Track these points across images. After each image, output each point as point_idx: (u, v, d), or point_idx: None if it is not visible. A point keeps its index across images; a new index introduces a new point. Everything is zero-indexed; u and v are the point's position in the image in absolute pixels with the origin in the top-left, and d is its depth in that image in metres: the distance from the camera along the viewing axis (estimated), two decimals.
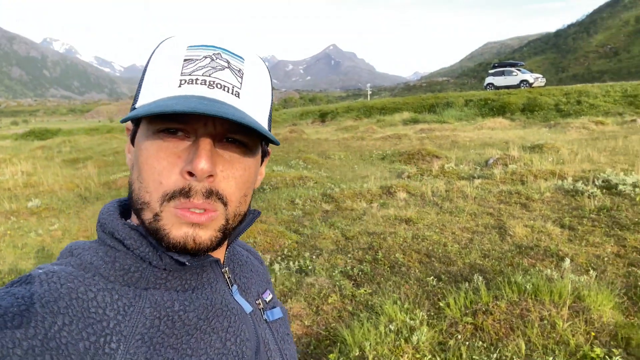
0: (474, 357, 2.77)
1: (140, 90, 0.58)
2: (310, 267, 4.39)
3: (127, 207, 0.65)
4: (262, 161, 0.67)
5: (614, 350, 2.70)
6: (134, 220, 0.61)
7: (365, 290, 3.85)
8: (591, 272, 3.74)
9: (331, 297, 3.73)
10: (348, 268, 4.37)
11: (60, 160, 15.13)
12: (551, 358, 2.68)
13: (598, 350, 2.71)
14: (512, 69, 27.09)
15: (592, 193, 6.16)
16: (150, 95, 0.55)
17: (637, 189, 5.99)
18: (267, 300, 0.73)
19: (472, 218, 5.74)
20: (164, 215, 0.54)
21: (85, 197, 8.73)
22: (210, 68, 0.55)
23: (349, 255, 4.72)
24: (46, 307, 0.47)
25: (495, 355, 2.76)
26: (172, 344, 0.53)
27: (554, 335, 2.91)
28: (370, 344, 2.87)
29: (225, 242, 0.66)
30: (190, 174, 0.52)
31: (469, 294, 3.47)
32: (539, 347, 2.82)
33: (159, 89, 0.54)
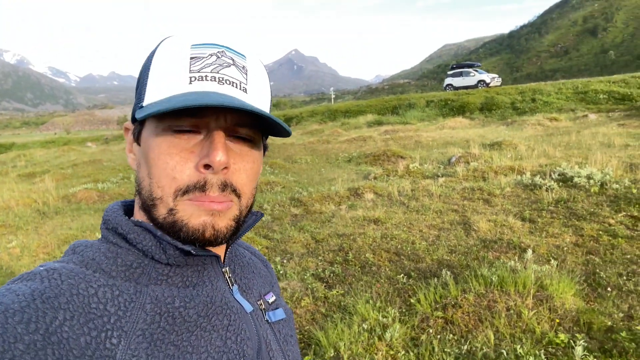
0: (445, 349, 2.83)
1: (145, 88, 0.57)
2: (281, 272, 4.38)
3: (131, 207, 0.66)
4: (263, 155, 0.69)
5: (577, 335, 2.83)
6: (137, 217, 0.62)
7: (337, 292, 3.88)
8: (552, 261, 3.90)
9: (304, 300, 3.73)
10: (319, 270, 4.39)
11: (16, 175, 14.49)
12: (519, 346, 2.77)
13: (562, 336, 2.83)
14: (470, 69, 27.93)
15: (549, 186, 6.42)
16: (160, 93, 0.56)
17: (591, 181, 6.28)
18: (270, 301, 0.73)
19: (437, 215, 5.87)
20: (180, 208, 0.55)
21: (44, 212, 8.39)
22: (217, 65, 0.57)
23: (319, 258, 4.74)
24: (47, 302, 0.48)
25: (465, 347, 2.83)
26: (173, 341, 0.53)
27: (521, 324, 3.02)
28: (344, 344, 2.89)
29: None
30: (206, 167, 0.54)
31: (438, 289, 3.55)
32: (507, 337, 2.92)
33: (169, 86, 0.55)
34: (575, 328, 2.97)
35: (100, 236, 0.64)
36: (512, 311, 3.16)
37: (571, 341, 2.77)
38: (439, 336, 2.99)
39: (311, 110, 28.75)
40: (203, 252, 0.58)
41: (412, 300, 3.49)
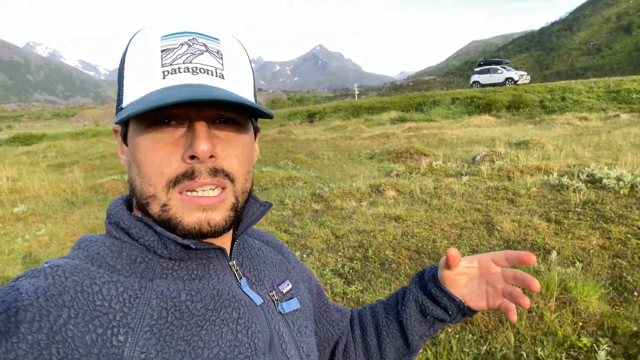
0: (464, 349, 2.81)
1: (122, 89, 0.57)
2: None
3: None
4: (255, 137, 0.67)
5: (600, 339, 2.76)
6: (137, 214, 0.61)
7: (356, 288, 3.88)
8: (577, 264, 3.81)
9: None
10: (339, 266, 4.40)
11: (46, 165, 14.95)
12: (539, 349, 2.72)
13: (585, 340, 2.77)
14: (497, 66, 27.40)
15: (577, 187, 6.26)
16: (136, 92, 0.54)
17: (620, 183, 6.10)
18: (284, 291, 0.71)
19: (460, 214, 5.80)
20: (172, 204, 0.55)
21: (72, 201, 8.64)
22: (189, 54, 0.55)
23: (339, 254, 4.74)
24: (50, 300, 0.47)
25: (485, 348, 2.80)
26: (183, 336, 0.52)
27: (542, 326, 2.96)
28: None
29: (231, 232, 0.66)
30: (192, 157, 0.53)
31: None
32: (528, 339, 2.87)
33: (143, 85, 0.54)
34: (598, 332, 2.90)
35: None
36: (534, 313, 3.10)
37: (594, 345, 2.71)
38: (457, 336, 2.96)
39: (334, 106, 28.72)
40: (203, 245, 0.57)
41: None
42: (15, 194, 9.46)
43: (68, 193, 9.31)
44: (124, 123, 0.59)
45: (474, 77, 28.39)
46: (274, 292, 0.69)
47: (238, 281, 0.64)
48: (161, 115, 0.53)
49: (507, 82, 26.05)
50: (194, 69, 0.54)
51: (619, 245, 4.34)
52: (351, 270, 4.28)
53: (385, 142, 14.33)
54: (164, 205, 0.55)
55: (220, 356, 0.54)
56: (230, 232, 0.66)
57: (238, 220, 0.61)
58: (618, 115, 15.70)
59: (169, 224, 0.55)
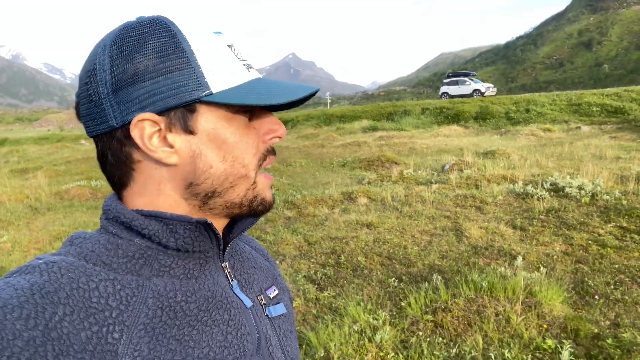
0: (434, 352, 2.86)
1: (200, 71, 0.54)
2: None
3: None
4: None
5: (564, 341, 2.86)
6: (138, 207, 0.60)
7: (328, 294, 3.90)
8: (542, 269, 3.94)
9: (295, 301, 3.75)
10: (311, 272, 4.41)
11: (8, 170, 14.39)
12: (507, 351, 2.81)
13: (550, 342, 2.87)
14: (465, 78, 28.15)
15: (541, 196, 6.49)
16: (229, 79, 0.57)
17: (582, 191, 6.36)
18: (271, 296, 0.73)
19: (430, 221, 5.92)
20: (258, 181, 0.61)
21: (36, 207, 8.35)
22: (240, 53, 0.61)
23: (312, 260, 4.76)
24: (46, 297, 0.46)
25: (454, 350, 2.86)
26: (175, 335, 0.53)
27: (509, 329, 3.06)
28: (335, 344, 2.91)
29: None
30: (272, 138, 0.62)
31: (429, 293, 3.58)
32: (495, 341, 2.95)
33: (235, 73, 0.58)
34: (562, 334, 3.01)
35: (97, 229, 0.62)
36: (501, 316, 3.19)
37: (558, 347, 2.81)
38: (428, 339, 3.02)
39: (307, 114, 28.83)
40: (213, 229, 0.58)
41: (402, 304, 3.52)
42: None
43: (31, 199, 9.00)
44: (187, 110, 0.55)
45: (443, 88, 29.07)
46: (262, 296, 0.70)
47: (230, 283, 0.65)
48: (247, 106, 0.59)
49: (475, 94, 26.78)
50: (252, 66, 0.62)
51: (581, 251, 4.53)
52: (324, 277, 4.30)
53: (357, 151, 14.48)
54: (253, 183, 0.60)
55: (210, 356, 0.55)
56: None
57: None
58: (579, 127, 16.38)
59: (254, 201, 0.61)
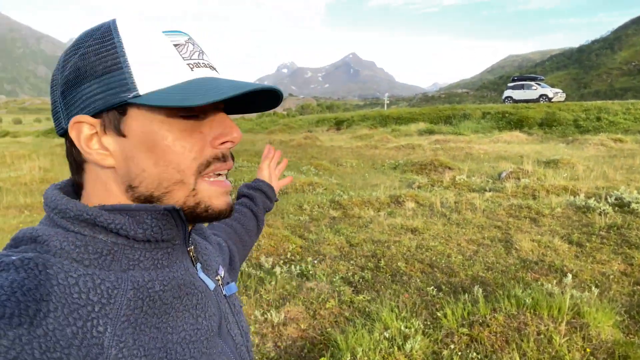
0: None
1: (128, 73, 0.54)
2: (311, 272, 4.41)
3: (68, 193, 0.63)
4: None
5: None
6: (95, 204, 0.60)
7: (364, 297, 3.86)
8: (594, 289, 3.68)
9: (329, 302, 3.74)
10: (349, 274, 4.38)
11: None
12: None
13: None
14: (532, 82, 26.85)
15: (603, 210, 6.07)
16: (161, 79, 0.54)
17: None
18: (222, 275, 0.76)
19: (478, 230, 5.70)
20: (200, 189, 0.59)
21: None
22: (198, 52, 0.59)
23: (351, 262, 4.73)
24: (28, 295, 0.46)
25: None
26: (155, 324, 0.55)
27: (550, 350, 2.88)
28: (362, 349, 2.88)
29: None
30: (222, 143, 0.59)
31: (467, 305, 3.45)
32: None
33: (171, 73, 0.55)
34: None
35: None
36: (542, 335, 3.02)
37: None
38: (461, 353, 2.91)
39: (363, 114, 28.69)
40: (180, 216, 0.58)
41: (438, 314, 3.42)
42: (46, 183, 9.81)
43: None
44: (118, 111, 0.55)
45: (507, 92, 27.90)
46: (218, 276, 0.74)
47: (194, 266, 0.67)
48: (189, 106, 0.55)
49: (541, 99, 25.48)
50: (209, 65, 0.59)
51: None
52: (361, 280, 4.26)
53: (410, 153, 14.22)
54: (193, 189, 0.58)
55: (186, 339, 0.58)
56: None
57: None
58: None
59: (197, 208, 0.59)
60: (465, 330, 3.14)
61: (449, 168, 10.64)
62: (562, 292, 3.51)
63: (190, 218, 0.60)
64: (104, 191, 0.59)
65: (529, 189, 7.81)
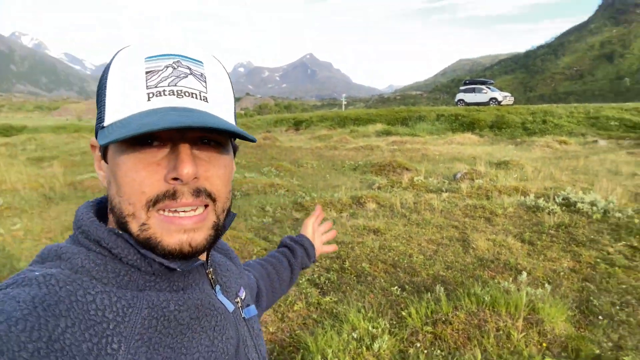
0: None
1: (104, 107, 0.57)
2: None
3: (102, 207, 0.67)
4: (234, 156, 0.69)
5: None
6: (111, 223, 0.62)
7: (330, 299, 3.91)
8: (547, 285, 3.91)
9: (297, 304, 3.76)
10: (315, 276, 4.42)
11: (25, 158, 14.66)
12: None
13: None
14: (483, 86, 27.91)
15: (552, 210, 6.42)
16: (119, 112, 0.55)
17: (594, 208, 6.28)
18: (243, 297, 0.76)
19: (437, 230, 5.89)
20: (152, 223, 0.56)
21: (50, 197, 8.49)
22: (174, 77, 0.56)
23: (316, 264, 4.77)
24: (48, 310, 0.48)
25: None
26: (169, 344, 0.55)
27: (509, 345, 3.04)
28: (332, 350, 2.92)
29: None
30: (175, 179, 0.55)
31: (430, 304, 3.57)
32: (494, 357, 2.93)
33: (127, 105, 0.55)
34: (563, 354, 2.98)
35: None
36: (501, 332, 3.17)
37: None
38: (426, 351, 3.02)
39: (321, 115, 28.85)
40: (188, 266, 0.59)
41: (403, 313, 3.52)
42: None
43: (46, 188, 9.15)
44: (99, 133, 0.58)
45: (460, 95, 28.87)
46: (238, 298, 0.74)
47: (213, 288, 0.68)
48: (144, 136, 0.55)
49: (491, 102, 26.54)
50: (179, 91, 0.56)
51: (589, 269, 4.47)
52: (327, 281, 4.31)
53: (369, 154, 14.45)
54: (143, 224, 0.56)
55: None
56: None
57: (218, 238, 0.62)
58: (596, 141, 16.14)
59: (148, 243, 0.56)
60: (429, 328, 3.25)
61: (407, 169, 10.90)
62: (518, 290, 3.70)
63: (153, 253, 0.58)
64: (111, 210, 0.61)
65: (482, 189, 8.13)
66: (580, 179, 9.11)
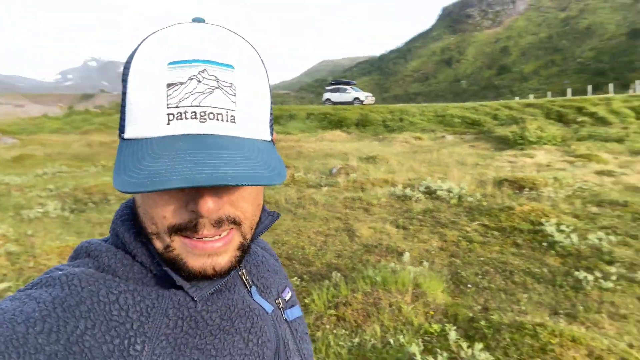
0: (339, 343, 3.12)
1: (125, 116, 0.52)
2: None
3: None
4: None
5: (446, 325, 3.32)
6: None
7: None
8: (424, 263, 4.46)
9: None
10: None
11: None
12: (401, 336, 3.17)
13: (435, 326, 3.31)
14: (347, 87, 29.67)
15: (417, 198, 7.25)
16: (137, 128, 0.50)
17: (450, 194, 7.25)
18: (287, 298, 0.73)
19: (324, 222, 6.25)
20: (176, 246, 0.53)
21: None
22: (198, 94, 0.49)
23: None
24: (68, 311, 0.48)
25: (357, 340, 3.15)
26: (197, 345, 0.53)
27: (401, 317, 3.44)
28: None
29: None
30: (192, 211, 0.51)
31: (330, 289, 3.84)
32: (391, 329, 3.31)
33: (146, 122, 0.50)
34: (445, 319, 3.48)
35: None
36: (394, 307, 3.57)
37: (443, 330, 3.25)
38: (334, 331, 3.27)
39: None
40: (210, 288, 0.57)
41: (306, 301, 3.73)
42: None
43: None
44: (120, 142, 0.53)
45: (326, 95, 30.29)
46: (279, 299, 0.71)
47: (249, 290, 0.66)
48: None
49: (355, 102, 28.38)
50: (202, 114, 0.49)
51: (454, 246, 5.20)
52: None
53: None
54: (168, 246, 0.53)
55: None
56: None
57: (244, 256, 0.59)
58: (444, 137, 18.37)
59: (174, 264, 0.54)
60: (332, 311, 3.52)
61: (287, 166, 11.19)
62: (402, 269, 4.17)
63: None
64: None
65: (357, 182, 8.79)
66: (436, 170, 10.36)
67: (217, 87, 0.51)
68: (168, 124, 0.49)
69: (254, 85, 0.55)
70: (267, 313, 0.65)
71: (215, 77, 0.51)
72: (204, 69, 0.50)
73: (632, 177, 8.68)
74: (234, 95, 0.52)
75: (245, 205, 0.55)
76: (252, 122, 0.54)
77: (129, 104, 0.51)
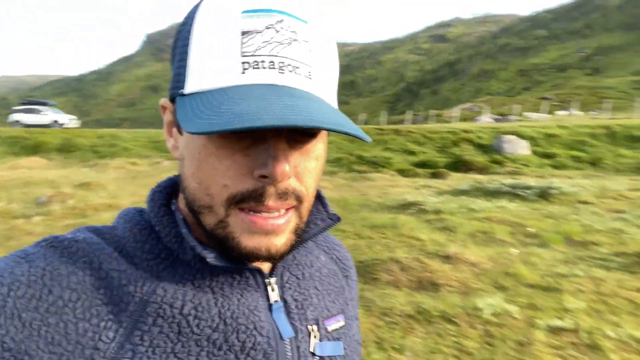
0: None
1: (186, 67, 0.47)
2: None
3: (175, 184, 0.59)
4: None
5: None
6: (181, 202, 0.55)
7: None
8: None
9: None
10: None
11: None
12: None
13: None
14: (43, 107, 26.29)
15: None
16: (205, 80, 0.46)
17: None
18: (330, 328, 0.59)
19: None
20: (231, 222, 0.48)
21: None
22: (276, 43, 0.45)
23: None
24: (56, 280, 0.45)
25: None
26: (178, 352, 0.47)
27: None
28: None
29: None
30: (264, 177, 0.45)
31: None
32: None
33: (217, 73, 0.45)
34: None
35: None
36: None
37: None
38: None
39: None
40: (232, 266, 0.52)
41: None
42: None
43: None
44: (178, 100, 0.48)
45: (16, 116, 26.04)
46: (315, 326, 0.58)
47: (269, 302, 0.55)
48: None
49: (54, 125, 25.38)
50: (281, 65, 0.45)
51: None
52: None
53: None
54: (221, 221, 0.48)
55: None
56: None
57: (298, 243, 0.53)
58: (160, 162, 18.61)
59: (224, 242, 0.49)
60: None
61: None
62: None
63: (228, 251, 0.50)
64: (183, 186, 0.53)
65: (77, 209, 8.26)
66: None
67: (295, 40, 0.46)
68: (243, 72, 0.45)
69: (327, 48, 0.51)
70: (280, 337, 0.53)
71: (294, 30, 0.47)
72: (282, 19, 0.46)
73: None
74: (311, 52, 0.48)
75: (309, 180, 0.50)
76: (326, 85, 0.50)
77: (194, 55, 0.46)
